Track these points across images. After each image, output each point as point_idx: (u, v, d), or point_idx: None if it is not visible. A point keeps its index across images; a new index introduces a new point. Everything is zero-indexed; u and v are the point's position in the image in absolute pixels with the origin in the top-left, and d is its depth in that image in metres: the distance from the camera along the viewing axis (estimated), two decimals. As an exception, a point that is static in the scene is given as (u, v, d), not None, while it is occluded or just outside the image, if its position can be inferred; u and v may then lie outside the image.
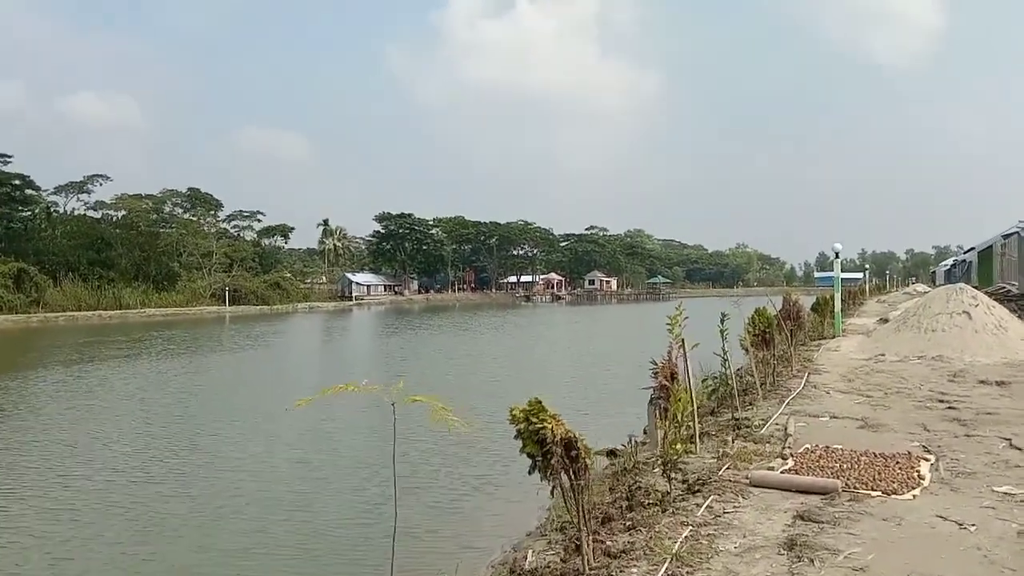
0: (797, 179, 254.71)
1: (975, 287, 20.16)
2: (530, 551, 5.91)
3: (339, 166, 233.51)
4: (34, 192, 77.55)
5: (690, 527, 5.28)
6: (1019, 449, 7.33)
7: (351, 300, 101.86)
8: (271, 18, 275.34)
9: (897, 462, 6.76)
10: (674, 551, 4.82)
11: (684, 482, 6.40)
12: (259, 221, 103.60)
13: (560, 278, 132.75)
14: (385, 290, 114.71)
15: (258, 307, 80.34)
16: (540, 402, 4.36)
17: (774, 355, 12.39)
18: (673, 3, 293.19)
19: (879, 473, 6.41)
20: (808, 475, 6.43)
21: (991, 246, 34.63)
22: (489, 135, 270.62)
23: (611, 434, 11.06)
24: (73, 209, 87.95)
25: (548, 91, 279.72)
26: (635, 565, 4.70)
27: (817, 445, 7.52)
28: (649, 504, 5.96)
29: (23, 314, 61.16)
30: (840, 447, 7.41)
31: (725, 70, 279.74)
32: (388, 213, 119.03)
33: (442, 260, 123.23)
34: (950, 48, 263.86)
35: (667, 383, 7.10)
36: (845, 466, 6.66)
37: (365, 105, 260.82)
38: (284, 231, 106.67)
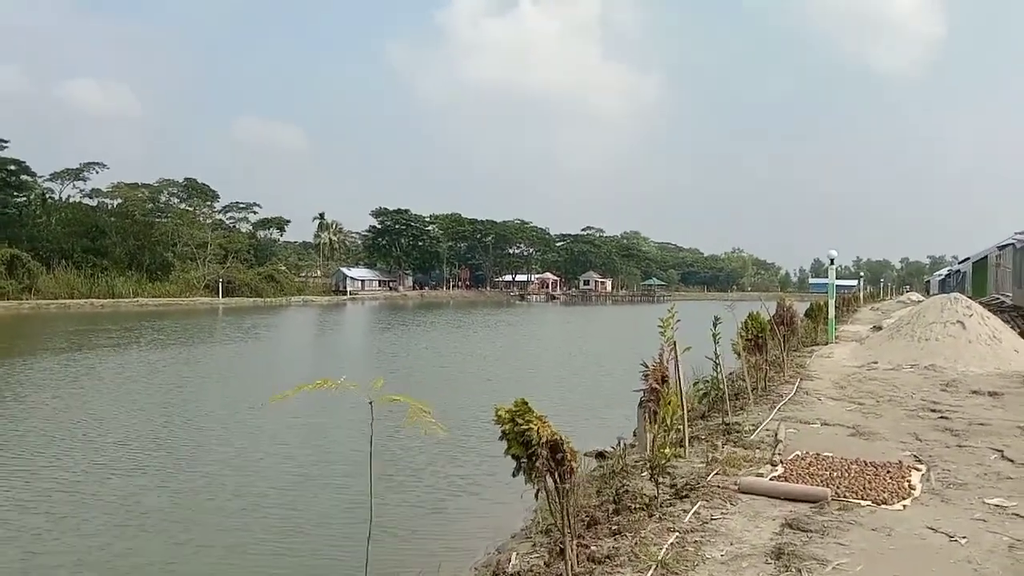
0: (794, 185, 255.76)
1: (969, 297, 20.14)
2: (514, 554, 5.81)
3: (337, 162, 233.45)
4: (29, 178, 77.27)
5: (677, 533, 5.19)
6: (1011, 461, 7.25)
7: (345, 295, 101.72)
8: (273, 13, 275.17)
9: (888, 471, 6.68)
10: (659, 557, 4.73)
11: (672, 487, 6.33)
12: (255, 213, 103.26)
13: (555, 278, 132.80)
14: (380, 285, 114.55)
15: (252, 299, 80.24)
16: (526, 403, 4.26)
17: (766, 360, 12.32)
18: (675, 8, 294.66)
19: (869, 482, 6.34)
20: (798, 482, 6.35)
21: (986, 257, 34.66)
22: (489, 135, 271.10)
23: (601, 436, 10.99)
24: (68, 196, 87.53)
25: (548, 91, 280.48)
26: (619, 571, 4.62)
27: (807, 452, 7.44)
28: (636, 508, 5.88)
29: (14, 300, 61.00)
30: (831, 455, 7.33)
31: (725, 75, 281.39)
32: (384, 208, 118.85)
33: (437, 257, 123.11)
34: (948, 57, 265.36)
35: (657, 386, 7.01)
36: (835, 474, 6.58)
37: (365, 103, 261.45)
38: (280, 224, 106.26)
